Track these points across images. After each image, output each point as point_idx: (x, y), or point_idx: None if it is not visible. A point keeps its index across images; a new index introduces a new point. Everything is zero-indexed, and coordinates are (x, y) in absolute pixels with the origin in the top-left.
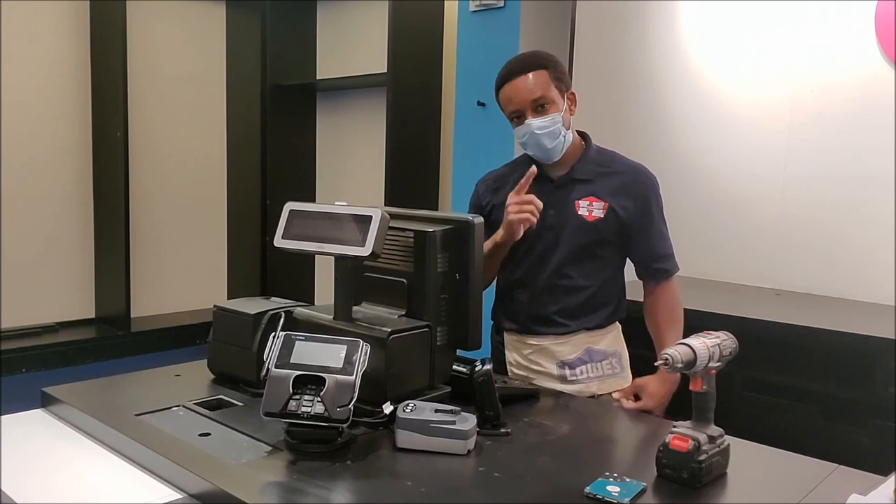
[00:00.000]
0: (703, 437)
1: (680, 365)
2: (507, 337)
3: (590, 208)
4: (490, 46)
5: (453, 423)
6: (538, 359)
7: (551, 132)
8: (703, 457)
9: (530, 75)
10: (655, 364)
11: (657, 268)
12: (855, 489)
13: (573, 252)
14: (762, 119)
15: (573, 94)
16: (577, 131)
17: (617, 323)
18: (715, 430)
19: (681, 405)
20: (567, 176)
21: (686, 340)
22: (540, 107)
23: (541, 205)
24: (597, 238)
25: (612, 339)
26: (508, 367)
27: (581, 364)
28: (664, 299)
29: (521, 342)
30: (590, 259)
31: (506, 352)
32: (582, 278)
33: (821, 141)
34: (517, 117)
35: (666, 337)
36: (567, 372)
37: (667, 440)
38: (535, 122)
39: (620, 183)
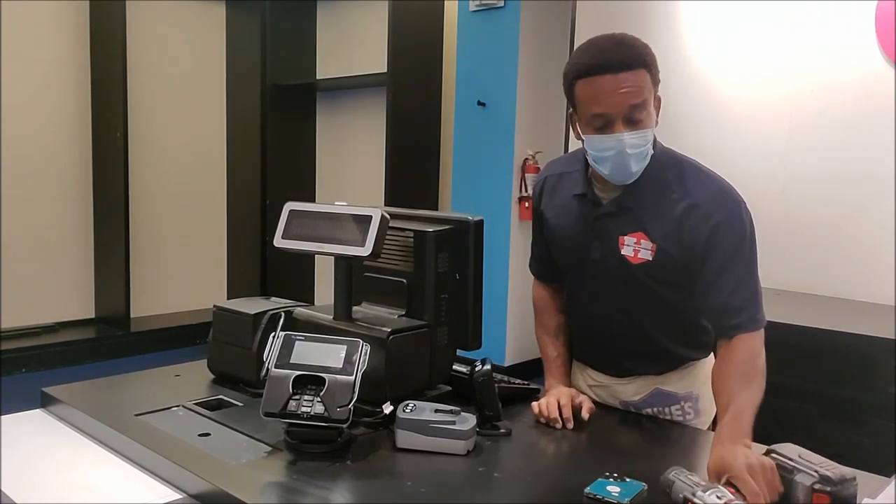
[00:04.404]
0: None
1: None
2: (574, 362)
3: (636, 247)
4: (490, 46)
5: (453, 423)
6: (600, 393)
7: (641, 153)
8: None
9: (630, 74)
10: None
11: (725, 325)
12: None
13: (623, 293)
14: (762, 119)
15: (660, 98)
16: None
17: (695, 361)
18: None
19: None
20: (617, 202)
21: None
22: (634, 118)
23: (569, 423)
24: (644, 282)
25: (688, 380)
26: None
27: (647, 407)
28: (739, 354)
29: (584, 373)
30: (648, 301)
31: (572, 372)
32: (641, 320)
33: (821, 141)
34: (603, 125)
35: (736, 395)
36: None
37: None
38: (628, 139)
39: (682, 213)
